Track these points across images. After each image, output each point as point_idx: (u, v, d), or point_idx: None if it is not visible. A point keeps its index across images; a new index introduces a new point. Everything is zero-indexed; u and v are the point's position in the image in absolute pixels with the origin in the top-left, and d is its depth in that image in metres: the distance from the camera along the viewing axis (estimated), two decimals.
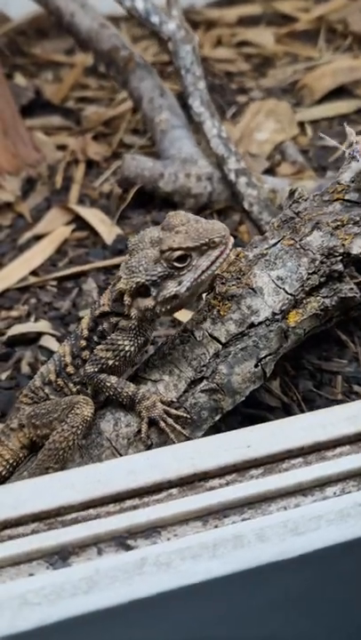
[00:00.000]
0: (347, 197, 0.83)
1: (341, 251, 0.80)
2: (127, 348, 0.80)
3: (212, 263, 0.76)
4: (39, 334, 1.13)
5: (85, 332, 0.83)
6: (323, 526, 0.61)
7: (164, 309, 0.78)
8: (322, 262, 0.80)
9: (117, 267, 1.27)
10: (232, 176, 1.27)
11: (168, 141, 1.36)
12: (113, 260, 1.26)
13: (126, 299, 0.78)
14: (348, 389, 1.01)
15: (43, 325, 1.14)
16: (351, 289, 0.81)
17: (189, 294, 0.77)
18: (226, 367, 0.80)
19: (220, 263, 0.76)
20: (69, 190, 1.44)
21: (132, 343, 0.80)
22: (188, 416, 0.78)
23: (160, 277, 0.76)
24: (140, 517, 0.63)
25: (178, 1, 1.42)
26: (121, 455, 0.79)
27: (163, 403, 0.78)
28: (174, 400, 0.79)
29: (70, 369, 0.84)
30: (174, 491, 0.66)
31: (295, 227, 0.83)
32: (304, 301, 0.82)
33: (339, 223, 0.81)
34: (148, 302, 0.77)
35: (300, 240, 0.82)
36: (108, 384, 0.79)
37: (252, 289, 0.81)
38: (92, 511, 0.65)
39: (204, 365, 0.80)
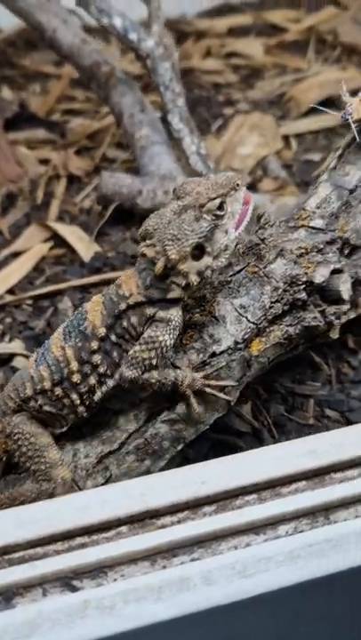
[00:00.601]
0: (311, 224, 0.82)
1: (304, 279, 0.79)
2: (168, 343, 0.75)
3: (244, 205, 0.78)
4: (12, 355, 1.12)
5: (102, 331, 0.76)
6: (272, 568, 0.60)
7: (220, 263, 0.76)
8: (285, 291, 0.79)
9: (94, 285, 1.28)
10: None
11: (148, 157, 1.35)
12: (90, 278, 1.25)
13: (181, 267, 0.74)
14: (320, 413, 1.00)
15: (16, 346, 1.14)
16: (315, 318, 0.80)
17: (237, 241, 0.78)
18: None
19: (251, 204, 0.78)
20: (50, 206, 1.44)
21: (171, 336, 0.75)
22: (229, 383, 0.78)
23: (209, 231, 0.75)
24: (87, 557, 0.62)
25: (160, 16, 1.41)
26: (79, 487, 0.78)
27: (197, 371, 0.77)
28: (201, 362, 0.78)
29: (76, 377, 0.77)
30: (124, 528, 0.65)
31: (260, 253, 0.82)
32: (267, 330, 0.81)
33: (303, 251, 0.80)
34: (206, 260, 0.75)
35: (265, 267, 0.81)
36: (153, 380, 0.75)
37: (215, 317, 0.80)
38: (39, 549, 0.64)
39: None
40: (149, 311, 0.76)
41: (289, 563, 0.60)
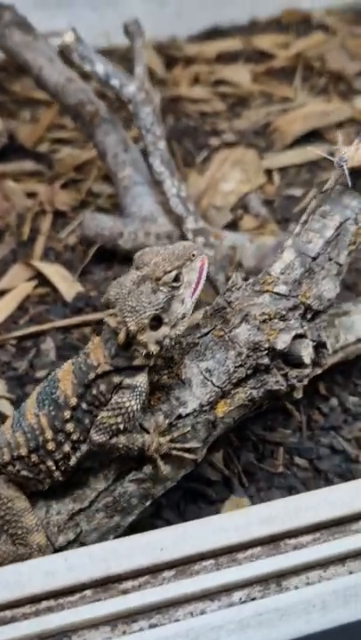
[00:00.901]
0: (275, 290, 0.85)
1: (267, 346, 0.82)
2: (135, 408, 0.79)
3: (200, 273, 0.82)
4: None
5: (74, 401, 0.80)
6: (222, 637, 0.64)
7: (178, 332, 0.80)
8: (248, 356, 0.83)
9: (77, 326, 1.31)
10: (190, 236, 1.29)
11: (130, 197, 1.38)
12: (72, 319, 1.28)
13: (140, 338, 0.78)
14: (290, 461, 1.04)
15: None
16: (277, 382, 0.83)
17: (192, 309, 0.82)
18: None
19: (205, 271, 0.82)
20: (35, 242, 1.47)
21: (137, 401, 0.79)
22: (194, 445, 0.82)
23: (166, 303, 0.79)
24: (52, 622, 0.66)
25: (143, 55, 1.44)
26: (52, 542, 0.82)
27: (163, 435, 0.81)
28: (169, 424, 0.82)
29: (51, 445, 0.80)
30: (88, 592, 0.69)
31: (226, 317, 0.86)
32: (232, 392, 0.84)
33: (266, 317, 0.84)
34: (164, 330, 0.79)
35: (230, 332, 0.85)
36: (120, 445, 0.79)
37: (182, 380, 0.84)
38: (7, 613, 0.68)
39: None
40: (116, 379, 0.79)
41: (239, 632, 0.64)
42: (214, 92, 1.98)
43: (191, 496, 0.98)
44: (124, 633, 0.66)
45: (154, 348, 0.78)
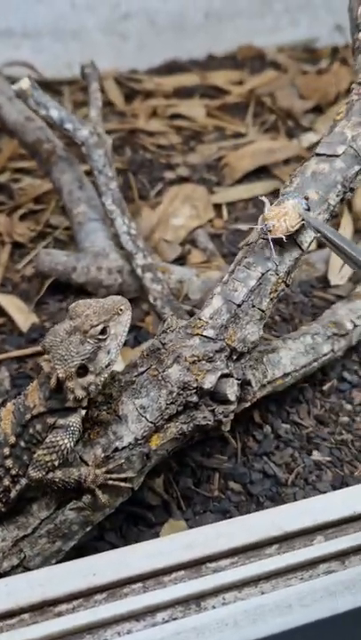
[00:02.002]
0: (205, 333, 0.94)
1: (195, 385, 0.91)
2: (68, 446, 0.86)
3: (125, 326, 0.91)
4: None
5: (12, 439, 0.87)
6: None
7: (103, 379, 0.88)
8: (179, 394, 0.91)
9: (31, 356, 1.38)
10: (139, 271, 1.37)
11: (84, 233, 1.46)
12: (27, 349, 1.35)
13: (68, 384, 0.85)
14: (225, 486, 1.12)
15: None
16: (205, 417, 0.92)
17: (116, 358, 0.90)
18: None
19: (129, 324, 0.91)
20: None
21: (70, 439, 0.86)
22: (129, 475, 0.89)
23: (92, 353, 0.87)
24: None
25: (98, 98, 1.52)
26: None
27: (99, 468, 0.88)
28: (104, 457, 0.89)
29: None
30: (26, 616, 0.76)
31: (160, 357, 0.94)
32: (165, 427, 0.92)
33: (195, 358, 0.92)
34: (89, 378, 0.87)
35: (163, 372, 0.93)
36: (57, 479, 0.86)
37: (118, 416, 0.92)
38: None
39: None
40: (50, 420, 0.87)
41: None
42: (170, 126, 2.08)
43: (133, 519, 1.06)
44: None
45: (80, 394, 0.86)
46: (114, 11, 2.38)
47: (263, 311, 0.94)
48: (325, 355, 1.16)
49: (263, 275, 0.94)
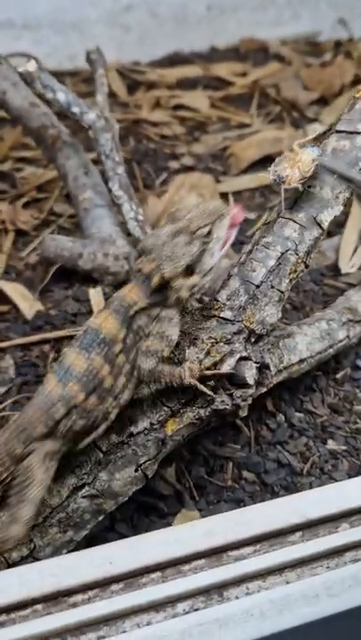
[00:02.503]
0: (222, 315, 0.90)
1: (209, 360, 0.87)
2: (174, 337, 0.87)
3: (228, 229, 0.90)
4: None
5: (122, 335, 0.86)
6: None
7: (206, 282, 0.90)
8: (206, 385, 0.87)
9: (36, 344, 1.34)
10: None
11: (90, 219, 1.42)
12: (31, 337, 1.31)
13: (174, 284, 0.87)
14: (238, 475, 1.09)
15: None
16: (223, 401, 0.89)
17: (219, 262, 0.90)
18: (106, 474, 0.87)
19: (232, 228, 0.91)
20: None
21: (175, 330, 0.88)
22: (221, 346, 0.88)
23: (198, 254, 0.87)
24: (3, 636, 0.69)
25: (104, 83, 1.49)
26: (5, 558, 0.84)
27: (194, 364, 0.86)
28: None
29: (109, 381, 0.85)
30: (39, 607, 0.72)
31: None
32: (181, 411, 0.89)
33: (213, 340, 0.89)
34: (194, 279, 0.88)
35: (179, 354, 0.89)
36: (166, 372, 0.86)
37: (133, 399, 0.88)
38: None
39: (85, 473, 0.86)
40: (154, 312, 0.88)
41: None
42: (174, 116, 2.05)
43: (144, 510, 1.02)
44: None
45: (185, 294, 0.87)
46: (116, 2, 2.36)
47: (282, 292, 0.91)
48: (341, 341, 1.13)
49: (283, 254, 0.91)
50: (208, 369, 0.87)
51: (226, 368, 0.88)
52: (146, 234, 1.36)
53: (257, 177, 1.71)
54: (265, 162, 1.83)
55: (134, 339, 0.87)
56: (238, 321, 0.90)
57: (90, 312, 1.37)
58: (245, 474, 1.09)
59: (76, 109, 1.35)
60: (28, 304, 1.37)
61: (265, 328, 0.91)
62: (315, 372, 1.21)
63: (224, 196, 1.71)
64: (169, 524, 1.01)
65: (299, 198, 0.93)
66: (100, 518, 0.89)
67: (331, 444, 1.13)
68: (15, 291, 1.39)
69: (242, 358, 0.89)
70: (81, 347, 0.86)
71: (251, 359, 0.90)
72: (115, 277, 1.39)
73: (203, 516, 1.01)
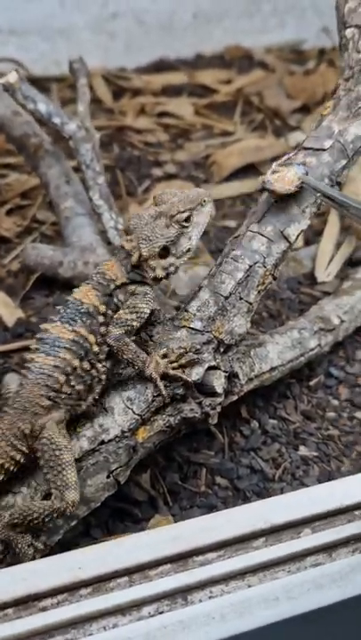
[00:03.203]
0: (192, 326, 0.93)
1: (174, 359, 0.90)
2: (145, 311, 0.93)
3: (206, 216, 0.97)
4: None
5: (102, 308, 0.92)
6: None
7: (180, 263, 0.96)
8: (166, 386, 0.90)
9: (15, 351, 1.36)
10: None
11: (71, 228, 1.45)
12: (12, 344, 1.33)
13: (151, 263, 0.94)
14: (212, 481, 1.11)
15: None
16: (192, 409, 0.91)
17: (196, 245, 0.97)
18: (78, 480, 0.89)
19: (210, 215, 0.98)
20: None
21: (147, 306, 0.93)
22: (191, 355, 0.92)
23: (175, 237, 0.94)
24: None
25: (86, 93, 1.51)
26: None
27: (162, 357, 0.91)
28: (169, 349, 0.93)
29: (96, 348, 0.91)
30: (10, 611, 0.74)
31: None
32: (151, 419, 0.91)
33: (183, 350, 0.91)
34: (170, 260, 0.95)
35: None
36: (131, 347, 0.91)
37: (105, 408, 0.91)
38: None
39: None
40: (131, 288, 0.94)
41: None
42: (158, 124, 2.08)
43: (118, 515, 1.05)
44: None
45: (160, 273, 0.94)
46: (102, 10, 2.38)
47: (251, 304, 0.94)
48: (312, 349, 1.16)
49: (251, 267, 0.94)
50: (174, 369, 0.91)
51: (194, 377, 0.90)
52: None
53: (240, 184, 1.74)
54: (247, 170, 1.87)
55: (112, 313, 0.93)
56: (208, 331, 0.93)
57: None
58: (218, 479, 1.11)
59: (57, 120, 1.37)
60: (8, 311, 1.39)
61: (234, 338, 0.93)
62: (288, 380, 1.24)
63: None
64: (143, 529, 1.03)
65: (267, 212, 0.95)
66: (73, 524, 0.91)
67: (303, 451, 1.16)
68: None
69: (211, 367, 0.92)
70: (63, 320, 0.92)
71: (220, 368, 0.93)
72: None
73: (176, 522, 1.04)
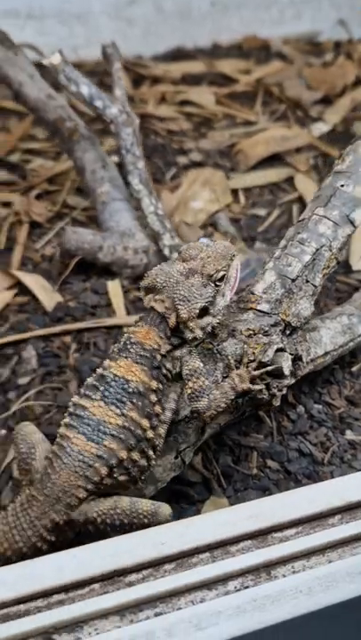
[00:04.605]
0: (259, 308, 0.94)
1: (252, 358, 0.91)
2: (201, 365, 0.87)
3: (237, 271, 0.92)
4: None
5: (154, 384, 0.85)
6: (221, 621, 0.71)
7: (218, 320, 0.90)
8: (235, 367, 0.91)
9: (56, 335, 1.36)
10: (166, 251, 1.37)
11: (108, 213, 1.44)
12: (53, 328, 1.33)
13: (190, 324, 0.86)
14: (263, 464, 1.13)
15: None
16: (260, 391, 0.92)
17: (229, 301, 0.92)
18: None
19: (237, 269, 0.92)
20: (12, 251, 1.50)
21: (197, 360, 0.87)
22: (271, 367, 0.91)
23: (213, 296, 0.88)
24: (65, 613, 0.72)
25: (121, 78, 1.51)
26: None
27: (241, 370, 0.89)
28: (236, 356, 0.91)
29: (150, 434, 0.84)
30: (96, 586, 0.75)
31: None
32: None
33: (251, 332, 0.92)
34: (208, 319, 0.88)
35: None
36: (220, 396, 0.86)
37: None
38: (22, 606, 0.73)
39: None
40: (177, 354, 0.88)
41: (236, 617, 0.71)
42: (180, 112, 2.08)
43: (175, 497, 1.06)
44: (131, 622, 0.72)
45: (199, 333, 0.87)
46: None
47: (316, 287, 0.95)
48: (360, 335, 1.17)
49: (317, 250, 0.95)
50: (256, 369, 0.90)
51: (266, 358, 0.91)
52: (155, 266, 1.37)
53: (267, 171, 1.74)
54: (273, 159, 1.88)
55: (162, 385, 0.86)
56: (275, 314, 0.93)
57: (108, 304, 1.39)
58: (269, 462, 1.13)
59: (98, 103, 1.36)
60: (47, 295, 1.39)
61: (300, 321, 0.95)
62: (332, 366, 1.26)
63: (234, 192, 1.75)
64: (199, 511, 1.04)
65: (332, 196, 0.96)
66: (134, 489, 0.91)
67: (349, 435, 1.18)
68: (35, 282, 1.40)
69: (278, 349, 0.93)
70: (108, 400, 0.84)
71: (286, 350, 0.94)
72: (133, 270, 1.41)
73: (231, 503, 1.05)
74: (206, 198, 1.63)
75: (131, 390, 0.84)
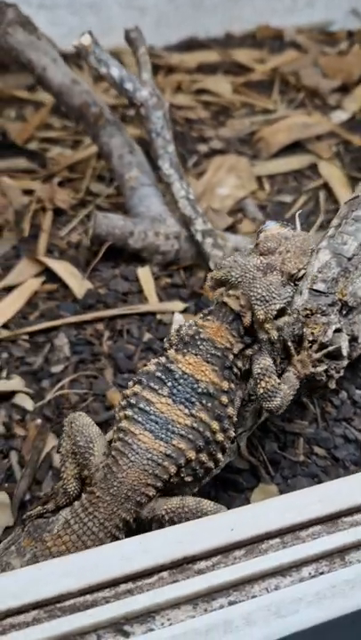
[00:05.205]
0: (315, 287, 0.91)
1: (311, 339, 0.88)
2: (271, 363, 0.83)
3: (311, 264, 0.87)
4: (12, 392, 1.15)
5: (225, 385, 0.81)
6: (302, 608, 0.68)
7: (292, 320, 0.86)
8: (296, 353, 0.88)
9: (88, 322, 1.32)
10: (199, 237, 1.33)
11: (137, 198, 1.41)
12: (84, 315, 1.29)
13: (267, 326, 0.81)
14: (310, 451, 1.10)
15: (16, 383, 1.16)
16: (319, 373, 0.89)
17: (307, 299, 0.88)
18: None
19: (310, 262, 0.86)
20: (37, 238, 1.46)
21: (268, 357, 0.84)
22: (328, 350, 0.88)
23: (292, 297, 0.82)
24: (135, 603, 0.68)
25: (147, 62, 1.47)
26: None
27: (302, 356, 0.87)
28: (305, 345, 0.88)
29: (220, 436, 0.81)
30: (165, 574, 0.71)
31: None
32: None
33: (308, 312, 0.89)
34: (286, 319, 0.83)
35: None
36: (289, 390, 0.84)
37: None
38: (89, 597, 0.69)
39: None
40: (249, 352, 0.84)
41: (317, 603, 0.68)
42: (197, 100, 2.05)
43: (222, 485, 1.02)
44: (205, 611, 0.68)
45: (274, 334, 0.81)
46: None
47: None
48: None
49: None
50: (317, 351, 0.87)
51: (326, 339, 0.88)
52: (222, 255, 1.31)
53: (290, 158, 1.71)
54: (295, 147, 1.85)
55: (234, 385, 0.83)
56: (332, 293, 0.91)
57: (140, 291, 1.36)
58: (316, 449, 1.10)
59: (129, 85, 1.33)
60: (77, 283, 1.35)
61: (356, 301, 0.92)
62: None
63: (258, 179, 1.72)
64: (247, 499, 1.01)
65: None
66: (195, 490, 0.88)
67: None
68: (64, 269, 1.37)
69: (336, 330, 0.90)
70: (177, 399, 0.80)
71: (343, 331, 0.91)
72: (164, 257, 1.38)
73: (280, 491, 1.02)
74: (232, 185, 1.60)
75: (200, 391, 0.81)
